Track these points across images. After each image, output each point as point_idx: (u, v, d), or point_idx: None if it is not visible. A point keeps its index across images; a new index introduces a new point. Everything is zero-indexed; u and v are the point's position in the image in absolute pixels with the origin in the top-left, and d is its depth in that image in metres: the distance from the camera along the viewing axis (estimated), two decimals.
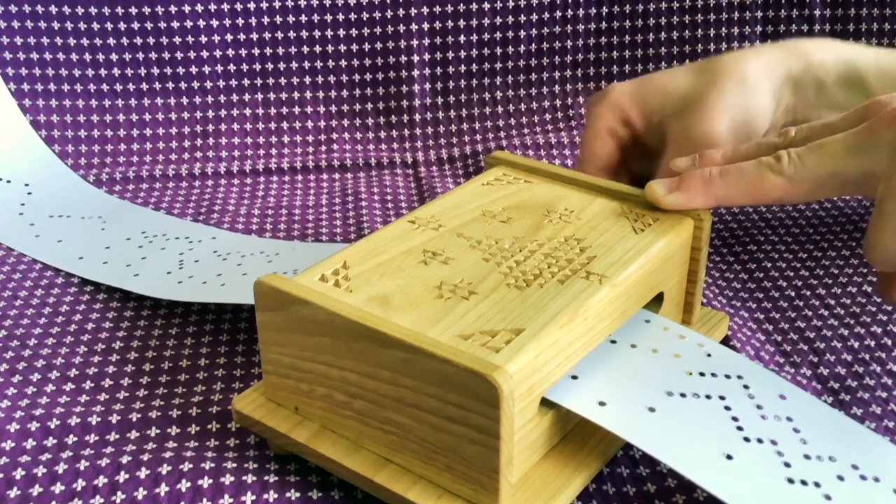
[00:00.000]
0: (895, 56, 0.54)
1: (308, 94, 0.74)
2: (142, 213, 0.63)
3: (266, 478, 0.38)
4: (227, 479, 0.38)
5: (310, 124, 0.73)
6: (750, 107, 0.50)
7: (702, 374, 0.38)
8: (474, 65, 0.75)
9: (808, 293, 0.52)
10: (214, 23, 0.71)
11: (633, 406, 0.36)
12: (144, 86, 0.71)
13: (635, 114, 0.52)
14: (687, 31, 0.76)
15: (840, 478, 0.34)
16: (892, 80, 0.52)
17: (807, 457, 0.35)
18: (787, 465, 0.34)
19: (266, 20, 0.72)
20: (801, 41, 0.55)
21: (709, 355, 0.39)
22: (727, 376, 0.38)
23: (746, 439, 0.35)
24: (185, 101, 0.72)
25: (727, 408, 0.37)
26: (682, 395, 0.37)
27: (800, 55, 0.52)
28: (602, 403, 0.36)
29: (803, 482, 0.34)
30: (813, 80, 0.52)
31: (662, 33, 0.76)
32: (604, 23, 0.76)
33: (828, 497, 0.33)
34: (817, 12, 0.76)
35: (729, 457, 0.34)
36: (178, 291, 0.52)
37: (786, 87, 0.52)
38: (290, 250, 0.55)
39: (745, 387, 0.38)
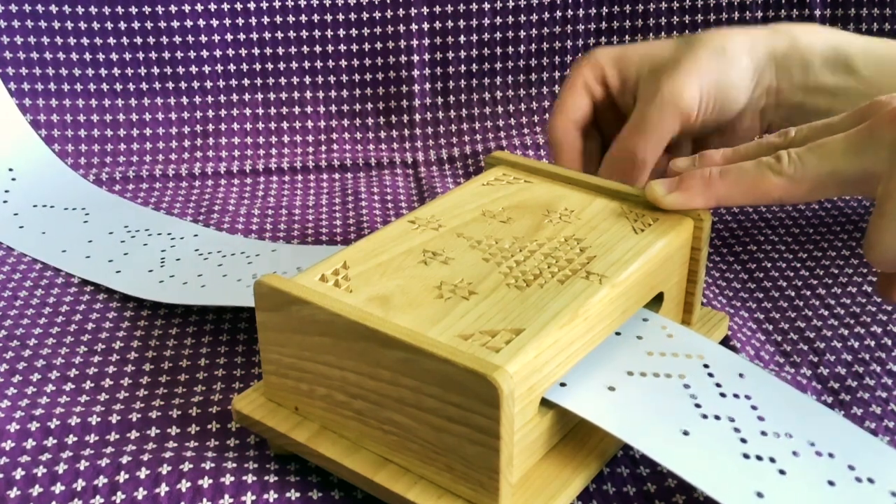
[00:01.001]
0: (883, 42, 0.53)
1: (308, 94, 0.74)
2: (124, 205, 0.63)
3: (266, 478, 0.38)
4: (227, 479, 0.38)
5: (310, 124, 0.73)
6: (725, 78, 0.50)
7: (662, 354, 0.39)
8: (474, 65, 0.75)
9: (808, 293, 0.52)
10: (214, 23, 0.71)
11: (593, 385, 0.36)
12: (144, 86, 0.71)
13: (612, 74, 0.53)
14: (687, 32, 0.76)
15: (795, 453, 0.35)
16: (880, 64, 0.52)
17: (763, 433, 0.35)
18: (744, 441, 0.35)
19: (266, 20, 0.72)
20: (789, 24, 0.54)
21: (670, 336, 0.40)
22: (688, 356, 0.39)
23: (704, 416, 0.36)
24: (185, 101, 0.72)
25: (686, 385, 0.37)
26: (643, 374, 0.37)
27: (785, 36, 0.52)
28: (562, 384, 0.36)
29: (758, 457, 0.34)
30: (799, 60, 0.52)
31: (662, 33, 0.76)
32: (604, 23, 0.76)
33: (782, 472, 0.34)
34: (817, 12, 0.76)
35: (686, 433, 0.35)
36: (158, 292, 0.52)
37: (768, 66, 0.52)
38: (271, 251, 0.55)
39: (706, 366, 0.38)
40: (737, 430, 0.35)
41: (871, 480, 0.34)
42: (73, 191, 0.65)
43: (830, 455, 0.35)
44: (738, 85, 0.51)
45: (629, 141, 0.50)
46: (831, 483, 0.34)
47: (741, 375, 0.38)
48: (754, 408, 0.37)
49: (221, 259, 0.55)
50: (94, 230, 0.59)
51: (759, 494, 0.33)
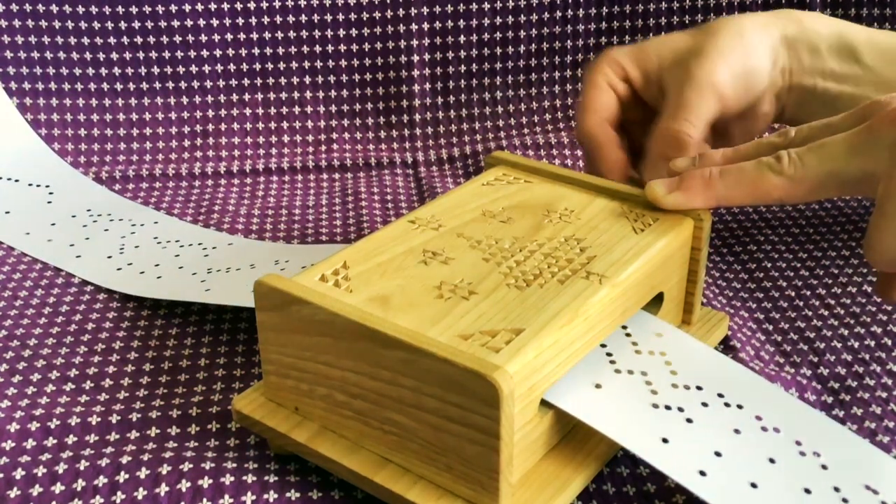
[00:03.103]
0: (886, 34, 0.54)
1: (308, 94, 0.74)
2: (87, 185, 0.63)
3: (266, 478, 0.38)
4: (227, 479, 0.38)
5: (310, 124, 0.73)
6: (748, 60, 0.51)
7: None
8: (474, 65, 0.75)
9: (808, 293, 0.52)
10: (214, 23, 0.71)
11: None
12: (144, 85, 0.71)
13: (633, 69, 0.53)
14: None
15: (704, 404, 0.36)
16: (883, 53, 0.52)
17: (674, 385, 0.37)
18: (654, 392, 0.36)
19: (266, 20, 0.72)
20: (794, 10, 0.55)
21: None
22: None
23: (618, 371, 0.37)
24: (185, 100, 0.72)
25: (603, 345, 0.39)
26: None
27: (794, 20, 0.53)
28: None
29: (667, 407, 0.36)
30: (807, 44, 0.52)
31: (662, 33, 0.76)
32: (604, 23, 0.76)
33: (689, 420, 0.35)
34: (816, 11, 0.76)
35: (598, 385, 0.36)
36: (115, 280, 0.53)
37: (781, 48, 0.52)
38: (227, 245, 0.56)
39: (624, 326, 0.40)
40: (648, 382, 0.37)
41: (776, 430, 0.36)
42: (36, 164, 0.65)
43: (739, 406, 0.37)
44: (759, 66, 0.51)
45: (674, 121, 0.49)
46: (737, 431, 0.35)
47: (658, 335, 0.40)
48: (668, 363, 0.38)
49: (179, 249, 0.56)
50: (58, 212, 0.60)
51: (665, 440, 0.34)
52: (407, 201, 0.65)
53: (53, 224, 0.59)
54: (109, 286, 0.52)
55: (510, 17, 0.74)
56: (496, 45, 0.75)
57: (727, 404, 0.37)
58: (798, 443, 0.35)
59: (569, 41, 0.76)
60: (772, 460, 0.34)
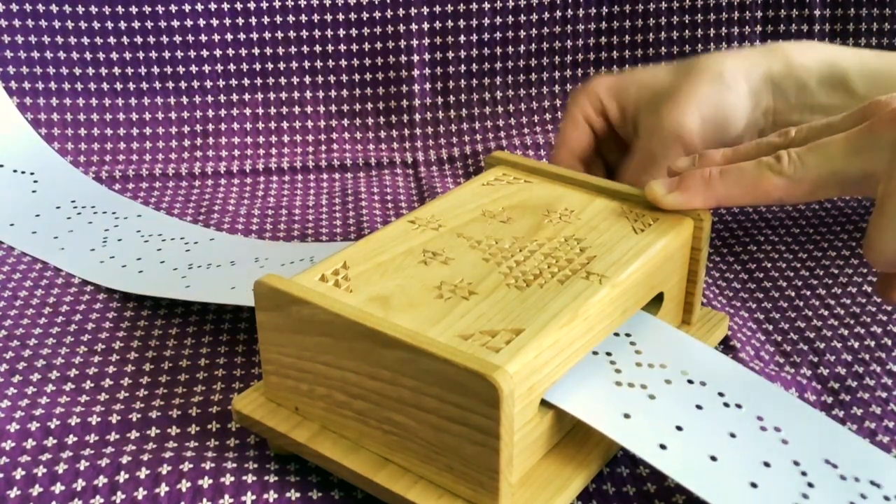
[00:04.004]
0: (878, 57, 0.54)
1: (308, 94, 0.74)
2: (72, 175, 0.64)
3: (266, 478, 0.38)
4: (227, 479, 0.38)
5: (310, 124, 0.73)
6: (724, 104, 0.51)
7: None
8: (474, 65, 0.75)
9: (808, 293, 0.52)
10: (214, 22, 0.71)
11: None
12: (144, 85, 0.71)
13: (612, 105, 0.54)
14: (687, 31, 0.76)
15: (668, 381, 0.37)
16: (876, 81, 0.52)
17: (638, 364, 0.38)
18: (618, 371, 0.37)
19: (266, 20, 0.72)
20: (783, 43, 0.55)
21: None
22: None
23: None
24: (185, 100, 0.72)
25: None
26: None
27: (780, 57, 0.53)
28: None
29: (630, 384, 0.37)
30: (794, 82, 0.52)
31: (662, 33, 0.76)
32: (604, 23, 0.76)
33: (652, 396, 0.36)
34: (817, 12, 0.76)
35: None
36: (98, 273, 0.53)
37: (765, 88, 0.52)
38: (209, 240, 0.56)
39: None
40: (612, 362, 0.38)
41: (738, 406, 0.37)
42: (23, 150, 0.65)
43: (702, 383, 0.37)
44: (736, 109, 0.51)
45: (637, 176, 0.50)
46: (699, 407, 0.36)
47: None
48: (633, 344, 0.39)
49: (161, 243, 0.56)
50: (43, 202, 0.60)
51: (626, 415, 0.35)
52: (407, 201, 0.65)
53: (38, 215, 0.59)
54: (92, 279, 0.53)
55: (510, 17, 0.74)
56: (496, 45, 0.75)
57: (690, 381, 0.38)
58: (760, 418, 0.36)
59: (569, 41, 0.76)
60: (732, 435, 0.35)
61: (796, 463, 0.34)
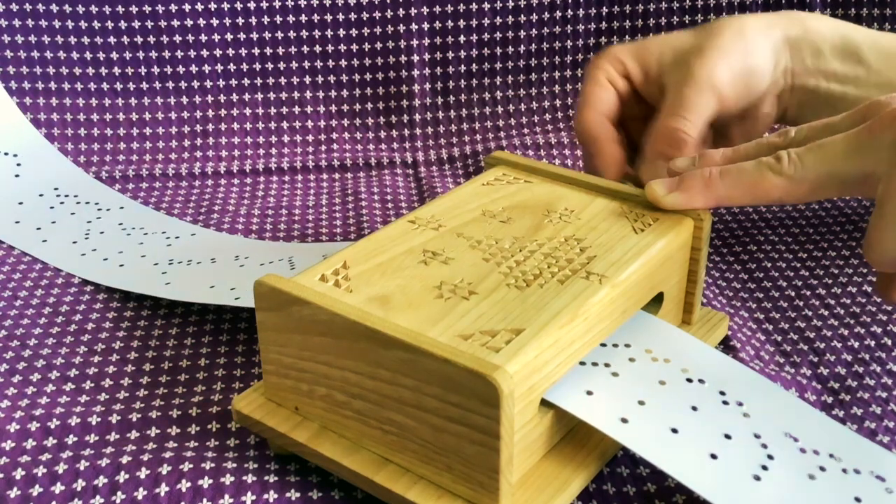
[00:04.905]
0: (889, 36, 0.54)
1: (308, 94, 0.74)
2: (57, 161, 0.64)
3: (266, 478, 0.38)
4: (227, 479, 0.38)
5: (310, 124, 0.73)
6: (749, 60, 0.51)
7: None
8: (474, 65, 0.75)
9: (808, 293, 0.52)
10: (214, 22, 0.71)
11: None
12: (144, 85, 0.71)
13: (633, 66, 0.52)
14: None
15: (631, 360, 0.38)
16: (886, 55, 0.52)
17: (603, 345, 0.39)
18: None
19: (266, 20, 0.72)
20: (797, 11, 0.55)
21: None
22: None
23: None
24: (185, 100, 0.72)
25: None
26: None
27: (797, 21, 0.53)
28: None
29: (594, 364, 0.37)
30: (810, 46, 0.52)
31: (662, 33, 0.76)
32: (604, 23, 0.76)
33: (615, 374, 0.37)
34: (817, 12, 0.76)
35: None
36: (79, 266, 0.53)
37: (784, 49, 0.52)
38: (190, 235, 0.56)
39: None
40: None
41: (701, 381, 0.38)
42: (8, 132, 0.65)
43: (666, 360, 0.38)
44: (760, 67, 0.51)
45: (672, 119, 0.49)
46: (662, 382, 0.37)
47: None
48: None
49: (143, 237, 0.56)
50: (25, 190, 0.60)
51: (589, 392, 0.36)
52: (407, 201, 0.65)
53: (21, 203, 0.59)
54: (73, 272, 0.53)
55: (510, 17, 0.74)
56: (496, 45, 0.75)
57: (654, 359, 0.38)
58: (722, 392, 0.37)
59: (569, 41, 0.76)
60: (694, 408, 0.36)
61: (757, 435, 0.35)
